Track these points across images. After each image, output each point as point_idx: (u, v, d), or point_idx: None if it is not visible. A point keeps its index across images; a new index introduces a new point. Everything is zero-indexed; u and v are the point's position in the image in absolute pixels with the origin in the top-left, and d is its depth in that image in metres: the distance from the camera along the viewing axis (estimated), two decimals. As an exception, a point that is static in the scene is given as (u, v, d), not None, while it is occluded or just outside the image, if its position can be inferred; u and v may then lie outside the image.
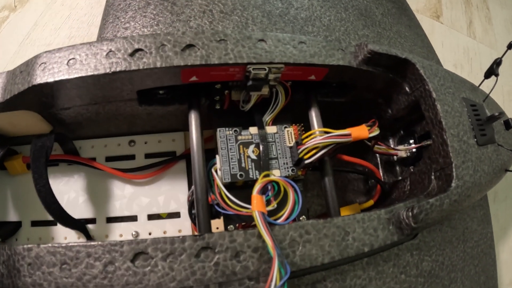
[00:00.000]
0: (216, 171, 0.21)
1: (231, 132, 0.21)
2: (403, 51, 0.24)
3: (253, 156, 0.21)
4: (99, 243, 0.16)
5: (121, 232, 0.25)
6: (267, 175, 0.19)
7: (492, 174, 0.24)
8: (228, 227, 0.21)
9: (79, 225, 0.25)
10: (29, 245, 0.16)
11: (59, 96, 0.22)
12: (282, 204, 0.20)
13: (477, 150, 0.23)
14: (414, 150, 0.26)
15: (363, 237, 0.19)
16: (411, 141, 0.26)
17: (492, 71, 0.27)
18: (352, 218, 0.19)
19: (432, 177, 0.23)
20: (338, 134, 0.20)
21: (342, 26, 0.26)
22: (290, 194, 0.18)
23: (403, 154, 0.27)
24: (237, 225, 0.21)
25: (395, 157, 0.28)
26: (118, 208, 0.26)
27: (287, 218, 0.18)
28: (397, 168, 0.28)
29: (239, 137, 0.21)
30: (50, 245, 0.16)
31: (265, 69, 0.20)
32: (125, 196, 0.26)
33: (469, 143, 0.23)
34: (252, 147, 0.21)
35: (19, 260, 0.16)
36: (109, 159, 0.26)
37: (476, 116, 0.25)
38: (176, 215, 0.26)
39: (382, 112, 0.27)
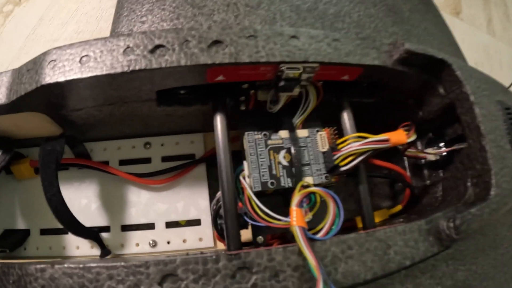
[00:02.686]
0: (244, 178, 0.19)
1: (260, 136, 0.19)
2: (438, 51, 0.22)
3: (285, 162, 0.19)
4: (122, 264, 0.14)
5: (137, 241, 0.23)
6: (306, 186, 0.16)
7: (528, 181, 0.22)
8: (257, 239, 0.19)
9: (92, 234, 0.22)
10: (43, 265, 0.14)
11: (70, 97, 0.19)
12: (317, 216, 0.18)
13: (513, 155, 0.22)
14: (444, 153, 0.24)
15: (404, 250, 0.17)
16: (441, 144, 0.25)
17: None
18: (394, 230, 0.17)
19: (469, 184, 0.21)
20: (376, 140, 0.18)
21: (372, 23, 0.24)
22: (331, 206, 0.16)
23: (432, 157, 0.25)
24: (266, 236, 0.19)
25: (423, 160, 0.26)
26: (133, 215, 0.23)
27: (327, 232, 0.16)
28: (425, 171, 0.26)
29: (269, 142, 0.19)
30: (66, 265, 0.14)
31: (299, 69, 0.18)
32: (141, 202, 0.23)
33: (505, 148, 0.21)
34: (283, 152, 0.19)
35: (31, 282, 0.14)
36: (123, 162, 0.24)
37: (510, 119, 0.23)
38: (196, 222, 0.24)
39: (411, 114, 0.25)
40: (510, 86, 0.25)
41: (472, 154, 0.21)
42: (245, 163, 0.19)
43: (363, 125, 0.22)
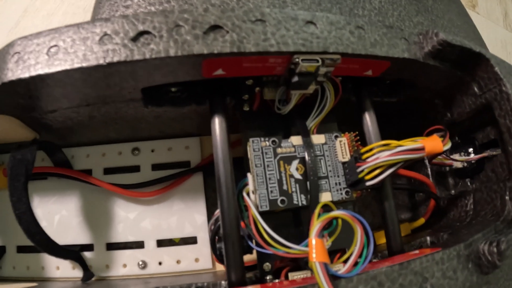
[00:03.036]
0: (248, 194, 0.15)
1: (268, 143, 0.15)
2: (474, 44, 0.18)
3: (297, 175, 0.15)
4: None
5: (125, 262, 0.19)
6: (328, 208, 0.13)
7: None
8: (264, 266, 0.15)
9: (73, 255, 0.18)
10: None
11: (39, 96, 0.16)
12: (339, 242, 0.14)
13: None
14: (473, 161, 0.20)
15: (442, 283, 0.13)
16: (470, 149, 0.21)
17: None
18: (431, 259, 0.13)
19: (507, 197, 0.18)
20: (409, 149, 0.14)
21: (394, 11, 0.20)
22: (358, 234, 0.12)
23: (459, 164, 0.21)
24: (274, 262, 0.15)
25: (447, 168, 0.22)
26: (120, 232, 0.19)
27: (354, 265, 0.12)
28: (450, 180, 0.22)
29: (279, 150, 0.15)
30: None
31: (317, 61, 0.14)
32: (129, 217, 0.20)
33: (550, 155, 0.18)
34: (295, 163, 0.15)
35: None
36: (108, 171, 0.20)
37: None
38: (192, 240, 0.20)
39: (438, 115, 0.21)
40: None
41: (511, 163, 0.17)
42: (249, 176, 0.15)
43: (381, 129, 0.18)
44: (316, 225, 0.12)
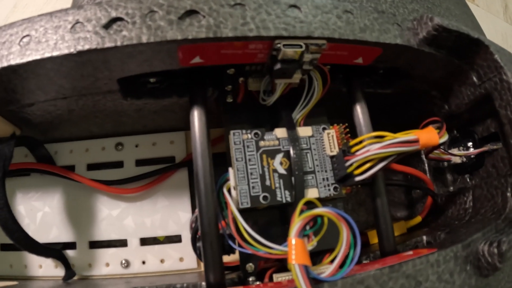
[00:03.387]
0: (229, 191, 0.13)
1: (250, 135, 0.14)
2: (472, 30, 0.16)
3: (282, 170, 0.14)
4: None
5: (107, 261, 0.18)
6: (313, 206, 0.11)
7: None
8: (247, 266, 0.14)
9: (55, 253, 0.17)
10: None
11: (14, 88, 0.15)
12: (324, 242, 0.12)
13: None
14: (473, 155, 0.19)
15: (437, 286, 0.12)
16: (469, 144, 0.19)
17: None
18: (425, 261, 0.12)
19: (508, 194, 0.16)
20: (402, 141, 0.13)
21: (388, -3, 0.18)
22: (344, 234, 0.10)
23: (457, 159, 0.19)
24: (258, 262, 0.14)
25: (445, 163, 0.20)
26: (103, 230, 0.18)
27: (340, 268, 0.11)
28: (448, 176, 0.20)
29: (262, 143, 0.14)
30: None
31: (300, 46, 0.12)
32: (112, 214, 0.18)
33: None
34: (279, 157, 0.14)
35: None
36: (91, 167, 0.19)
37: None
38: (176, 238, 0.19)
39: (435, 107, 0.19)
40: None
41: (515, 157, 0.15)
42: (230, 171, 0.13)
43: (376, 121, 0.17)
44: (296, 223, 0.11)
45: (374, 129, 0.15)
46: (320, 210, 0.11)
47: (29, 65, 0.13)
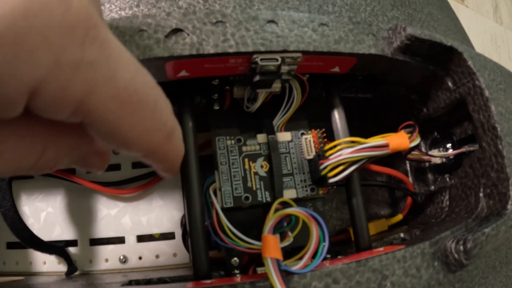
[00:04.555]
0: (215, 192, 0.15)
1: (233, 141, 0.15)
2: (446, 37, 0.17)
3: (262, 173, 0.15)
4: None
5: (107, 257, 0.20)
6: (284, 204, 0.13)
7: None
8: (232, 261, 0.15)
9: (58, 250, 0.19)
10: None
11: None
12: (300, 238, 0.14)
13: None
14: (451, 156, 0.20)
15: (404, 280, 0.13)
16: (448, 145, 0.20)
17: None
18: (392, 256, 0.13)
19: (481, 194, 0.17)
20: (371, 146, 0.14)
21: (368, 6, 0.19)
22: (313, 232, 0.12)
23: (437, 160, 0.20)
24: (243, 257, 0.15)
25: (426, 163, 0.21)
26: (103, 228, 0.20)
27: (309, 263, 0.12)
28: (429, 176, 0.22)
29: (244, 148, 0.15)
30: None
31: (277, 60, 0.14)
32: (111, 214, 0.20)
33: (526, 151, 0.17)
34: (260, 160, 0.15)
35: None
36: (91, 170, 0.21)
37: (531, 116, 0.19)
38: (170, 235, 0.20)
39: (415, 110, 0.20)
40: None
41: (485, 159, 0.17)
42: (216, 174, 0.15)
43: (361, 124, 0.18)
44: (269, 221, 0.12)
45: (358, 132, 0.17)
46: (291, 210, 0.12)
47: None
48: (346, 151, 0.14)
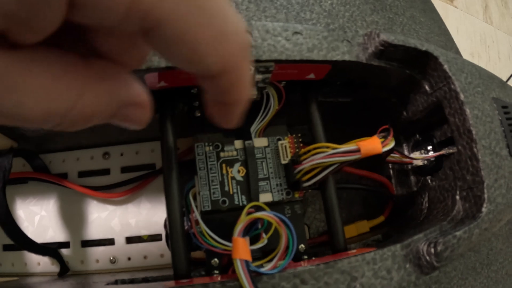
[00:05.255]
0: (195, 196, 0.16)
1: (211, 148, 0.16)
2: (422, 42, 0.17)
3: (239, 178, 0.16)
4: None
5: (97, 258, 0.20)
6: (257, 208, 0.13)
7: (528, 189, 0.18)
8: (212, 261, 0.16)
9: (51, 252, 0.20)
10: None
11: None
12: (274, 239, 0.14)
13: (510, 162, 0.18)
14: (432, 159, 0.20)
15: (373, 282, 0.14)
16: (429, 147, 0.21)
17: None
18: (361, 259, 0.14)
19: (457, 197, 0.17)
20: (344, 151, 0.14)
21: (346, 12, 0.20)
22: (282, 235, 0.12)
23: (419, 162, 0.21)
24: (223, 258, 0.16)
25: (409, 165, 0.22)
26: (93, 230, 0.21)
27: (278, 264, 0.13)
28: (412, 178, 0.22)
29: (222, 154, 0.16)
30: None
31: (249, 69, 0.14)
32: (101, 216, 0.21)
33: (502, 155, 0.17)
34: (237, 165, 0.16)
35: None
36: (82, 174, 0.22)
37: (508, 120, 0.19)
38: (158, 237, 0.21)
39: (396, 113, 0.21)
40: (508, 79, 0.21)
41: (462, 162, 0.17)
42: (195, 179, 0.15)
43: (343, 128, 0.19)
44: (239, 224, 0.12)
45: (341, 136, 0.17)
46: (260, 214, 0.13)
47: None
48: (318, 156, 0.14)
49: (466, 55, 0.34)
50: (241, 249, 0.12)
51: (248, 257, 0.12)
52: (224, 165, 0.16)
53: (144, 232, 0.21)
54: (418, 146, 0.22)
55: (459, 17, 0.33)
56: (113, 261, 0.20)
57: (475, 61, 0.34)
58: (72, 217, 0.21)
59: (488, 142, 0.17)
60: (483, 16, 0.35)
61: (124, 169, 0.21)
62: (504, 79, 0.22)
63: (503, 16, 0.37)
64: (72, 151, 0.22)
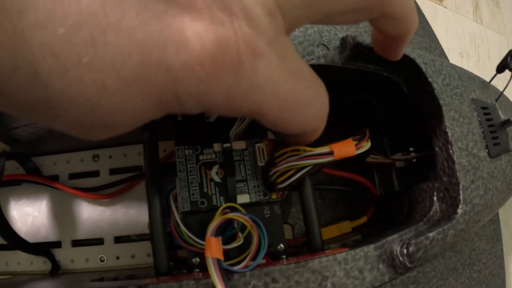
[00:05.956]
0: (176, 197, 0.16)
1: (190, 151, 0.16)
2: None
3: (217, 179, 0.16)
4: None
5: (87, 257, 0.21)
6: (233, 209, 0.14)
7: (506, 190, 0.18)
8: (193, 260, 0.16)
9: (43, 251, 0.21)
10: None
11: (1, 117, 0.17)
12: (250, 239, 0.15)
13: (489, 163, 0.18)
14: (414, 160, 0.20)
15: (345, 281, 0.14)
16: (411, 148, 0.21)
17: (506, 65, 0.20)
18: (332, 259, 0.14)
19: (435, 198, 0.18)
20: (316, 154, 0.15)
21: (326, 16, 0.20)
22: (254, 235, 0.13)
23: (401, 163, 0.21)
24: (203, 257, 0.16)
25: (391, 166, 0.22)
26: (83, 230, 0.21)
27: (249, 263, 0.13)
28: (395, 179, 0.22)
29: (201, 157, 0.16)
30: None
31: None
32: (91, 217, 0.22)
33: (480, 156, 0.18)
34: (215, 168, 0.16)
35: None
36: (72, 176, 0.22)
37: (488, 121, 0.19)
38: (145, 236, 0.21)
39: (377, 115, 0.21)
40: (492, 80, 0.21)
41: (439, 164, 0.17)
42: (176, 181, 0.16)
43: (327, 129, 0.19)
44: (211, 224, 0.13)
45: (325, 137, 0.17)
46: (232, 215, 0.13)
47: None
48: (291, 158, 0.15)
49: (455, 55, 0.34)
50: (214, 248, 0.12)
51: (220, 256, 0.12)
52: (203, 168, 0.16)
53: (132, 232, 0.21)
54: (400, 147, 0.22)
55: (448, 17, 0.33)
56: (102, 260, 0.21)
57: (464, 60, 0.34)
58: (63, 218, 0.22)
59: (465, 143, 0.17)
60: (473, 16, 0.35)
61: (113, 171, 0.22)
62: (498, 83, 0.22)
63: (494, 16, 0.37)
64: (63, 154, 0.22)
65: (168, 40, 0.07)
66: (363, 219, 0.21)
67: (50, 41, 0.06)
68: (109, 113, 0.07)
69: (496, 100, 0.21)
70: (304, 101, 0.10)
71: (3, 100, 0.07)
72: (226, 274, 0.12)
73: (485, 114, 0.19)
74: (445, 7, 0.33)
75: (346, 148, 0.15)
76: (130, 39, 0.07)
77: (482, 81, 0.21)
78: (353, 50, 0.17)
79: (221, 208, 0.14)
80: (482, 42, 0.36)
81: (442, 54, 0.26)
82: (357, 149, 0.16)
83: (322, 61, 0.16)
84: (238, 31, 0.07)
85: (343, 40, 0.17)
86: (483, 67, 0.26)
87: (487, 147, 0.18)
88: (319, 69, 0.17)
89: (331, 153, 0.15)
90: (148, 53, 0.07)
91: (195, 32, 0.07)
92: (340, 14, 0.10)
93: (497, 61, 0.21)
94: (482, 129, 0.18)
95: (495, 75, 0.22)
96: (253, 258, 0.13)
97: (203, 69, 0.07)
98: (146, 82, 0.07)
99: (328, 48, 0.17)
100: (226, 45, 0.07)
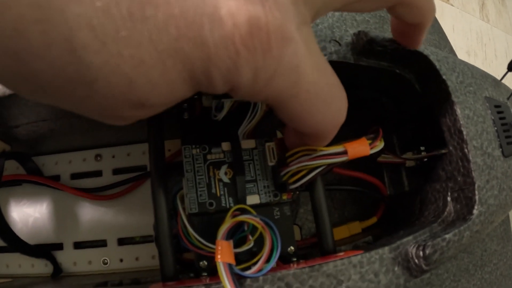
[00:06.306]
0: (182, 198, 0.15)
1: (198, 150, 0.16)
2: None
3: (226, 180, 0.15)
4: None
5: (90, 259, 0.21)
6: (243, 210, 0.13)
7: (522, 190, 0.18)
8: (201, 263, 0.16)
9: (44, 253, 0.20)
10: None
11: (2, 115, 0.17)
12: (262, 241, 0.14)
13: (503, 163, 0.17)
14: (425, 159, 0.20)
15: (360, 285, 0.13)
16: (422, 147, 0.20)
17: (517, 62, 0.20)
18: (347, 262, 0.13)
19: (449, 198, 0.17)
20: (330, 153, 0.14)
21: (336, 11, 0.20)
22: (266, 238, 0.12)
23: (412, 163, 0.21)
24: (212, 261, 0.16)
25: (402, 166, 0.22)
26: (86, 232, 0.21)
27: (262, 267, 0.12)
28: (405, 178, 0.22)
29: (209, 156, 0.16)
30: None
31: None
32: (94, 218, 0.21)
33: (494, 155, 0.17)
34: (224, 168, 0.16)
35: None
36: (74, 176, 0.22)
37: (501, 119, 0.19)
38: (150, 238, 0.21)
39: (387, 113, 0.20)
40: (503, 78, 0.20)
41: (453, 163, 0.17)
42: (183, 181, 0.15)
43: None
44: (222, 227, 0.12)
45: (336, 137, 0.17)
46: (243, 217, 0.13)
47: (9, 97, 0.15)
48: (304, 158, 0.14)
49: (462, 53, 0.33)
50: (224, 252, 0.12)
51: (232, 260, 0.12)
52: (211, 167, 0.16)
53: (136, 233, 0.21)
54: (411, 146, 0.21)
55: (455, 15, 0.33)
56: (105, 263, 0.21)
57: (471, 59, 0.33)
58: (65, 219, 0.21)
59: (479, 142, 0.17)
60: (480, 14, 0.35)
61: (116, 171, 0.21)
62: (500, 77, 0.22)
63: (500, 14, 0.36)
64: (65, 154, 0.22)
65: (204, 16, 0.07)
66: (373, 220, 0.21)
67: (88, 13, 0.06)
68: (146, 89, 0.07)
69: (508, 98, 0.21)
70: (324, 98, 0.10)
71: (33, 79, 0.06)
72: (238, 279, 0.12)
73: (498, 112, 0.19)
74: (452, 5, 0.33)
75: (360, 148, 0.15)
76: (167, 13, 0.06)
77: (494, 79, 0.21)
78: (366, 46, 0.16)
79: (231, 210, 0.13)
80: (489, 40, 0.35)
81: (452, 52, 0.26)
82: (371, 148, 0.15)
83: (334, 57, 0.16)
84: (269, 14, 0.07)
85: (356, 36, 0.16)
86: (490, 65, 0.26)
87: (500, 146, 0.18)
88: (332, 65, 0.16)
89: (345, 152, 0.14)
90: (185, 28, 0.07)
91: (229, 10, 0.07)
92: (359, 1, 0.10)
93: (504, 59, 0.21)
94: (495, 128, 0.18)
95: (506, 73, 0.21)
96: (266, 262, 0.13)
97: (234, 46, 0.07)
98: (181, 58, 0.07)
99: (340, 44, 0.16)
100: (256, 26, 0.07)
